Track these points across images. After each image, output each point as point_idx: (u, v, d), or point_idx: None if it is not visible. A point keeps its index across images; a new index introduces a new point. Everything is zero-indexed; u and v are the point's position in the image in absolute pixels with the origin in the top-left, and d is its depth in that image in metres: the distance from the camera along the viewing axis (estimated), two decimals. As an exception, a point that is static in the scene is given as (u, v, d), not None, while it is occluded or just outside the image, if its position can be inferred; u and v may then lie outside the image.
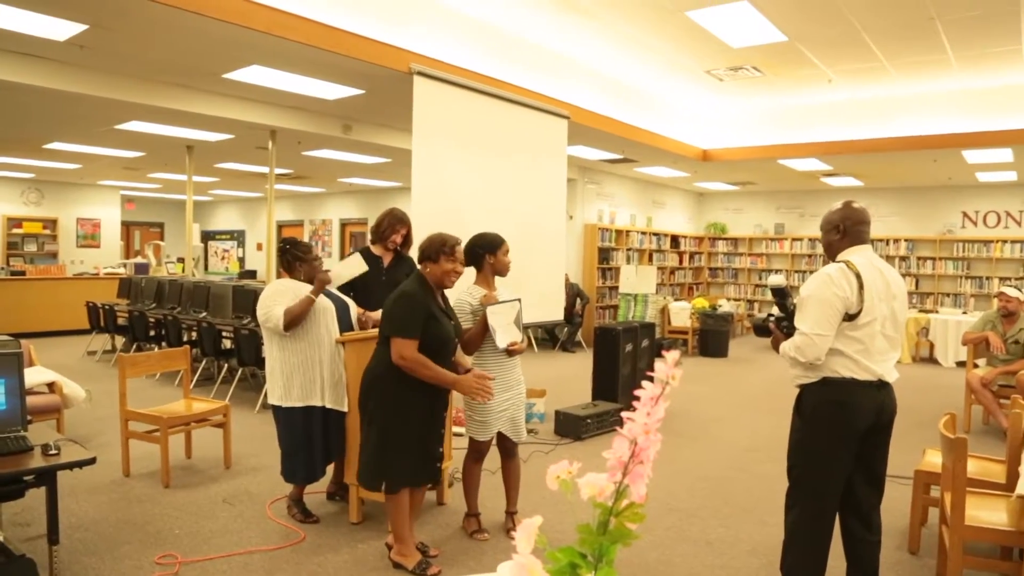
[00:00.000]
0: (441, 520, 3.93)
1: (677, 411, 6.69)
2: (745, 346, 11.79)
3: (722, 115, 10.39)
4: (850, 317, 2.59)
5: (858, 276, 2.60)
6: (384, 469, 3.18)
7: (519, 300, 3.63)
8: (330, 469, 4.13)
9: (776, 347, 2.86)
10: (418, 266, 3.29)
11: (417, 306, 3.12)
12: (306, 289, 3.74)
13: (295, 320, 3.66)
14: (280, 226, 17.60)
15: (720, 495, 4.47)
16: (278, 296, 3.69)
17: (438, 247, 3.21)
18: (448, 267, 3.22)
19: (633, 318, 10.55)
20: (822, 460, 2.70)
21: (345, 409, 3.82)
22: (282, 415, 3.79)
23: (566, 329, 10.97)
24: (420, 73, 5.90)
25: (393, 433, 3.17)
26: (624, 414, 0.93)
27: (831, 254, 2.82)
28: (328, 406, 3.80)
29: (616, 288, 11.97)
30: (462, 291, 3.58)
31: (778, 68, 7.99)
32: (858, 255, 2.70)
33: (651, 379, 0.93)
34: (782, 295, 2.91)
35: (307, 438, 3.77)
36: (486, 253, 3.57)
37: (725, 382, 8.61)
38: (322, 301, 3.79)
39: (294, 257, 3.81)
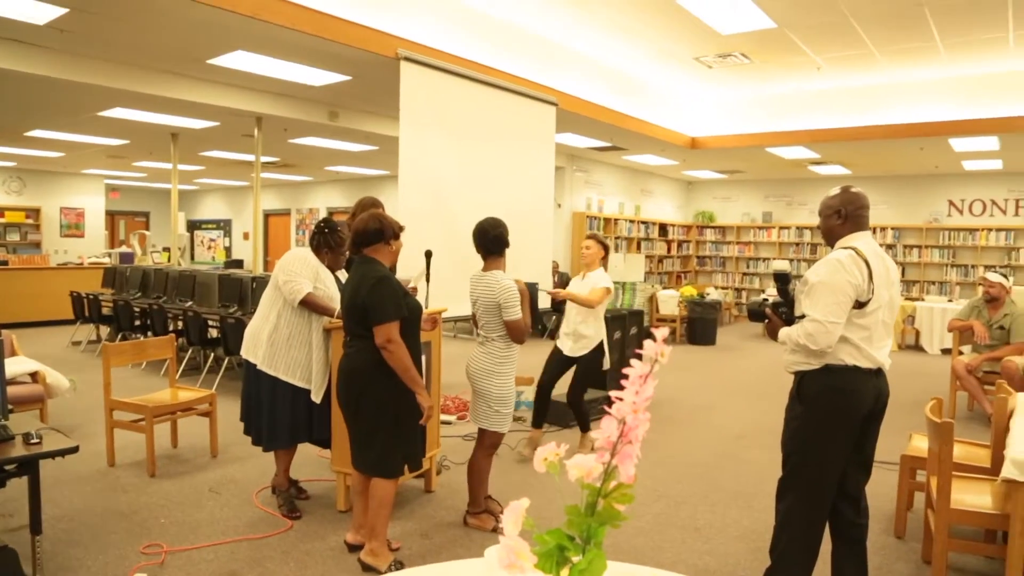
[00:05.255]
0: (429, 508, 3.92)
1: (665, 398, 6.71)
2: (733, 334, 11.83)
3: (711, 103, 10.37)
4: (859, 305, 2.57)
5: (867, 263, 2.58)
6: (406, 452, 3.18)
7: None
8: (273, 463, 4.02)
9: (772, 333, 2.83)
10: (362, 250, 3.15)
11: (397, 286, 3.11)
12: (323, 270, 3.77)
13: (310, 308, 3.72)
14: (267, 215, 17.46)
15: (708, 481, 4.48)
16: (304, 267, 3.72)
17: (393, 227, 3.18)
18: (398, 246, 3.23)
19: (621, 306, 10.54)
20: (822, 448, 2.67)
21: (318, 400, 3.79)
22: (261, 376, 3.76)
23: (554, 317, 10.96)
24: (407, 59, 5.84)
25: (406, 417, 3.15)
26: (613, 394, 0.92)
27: (831, 240, 2.77)
28: (312, 392, 3.78)
29: (605, 276, 11.95)
30: (507, 278, 3.48)
31: (767, 55, 7.98)
32: (861, 241, 2.67)
33: (639, 358, 0.91)
34: (784, 281, 2.88)
35: (271, 404, 3.74)
36: (506, 238, 3.54)
37: (713, 370, 8.64)
38: (329, 290, 3.77)
39: (324, 242, 3.85)
